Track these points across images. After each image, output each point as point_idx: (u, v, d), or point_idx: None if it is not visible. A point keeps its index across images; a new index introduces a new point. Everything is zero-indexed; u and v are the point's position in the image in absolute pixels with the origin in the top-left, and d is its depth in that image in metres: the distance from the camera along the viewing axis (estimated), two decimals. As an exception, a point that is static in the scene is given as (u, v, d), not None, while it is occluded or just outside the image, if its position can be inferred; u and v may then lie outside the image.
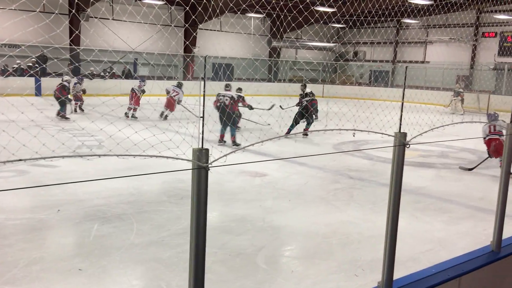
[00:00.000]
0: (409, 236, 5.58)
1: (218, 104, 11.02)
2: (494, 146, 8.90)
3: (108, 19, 23.68)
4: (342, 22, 31.47)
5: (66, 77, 14.99)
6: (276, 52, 32.42)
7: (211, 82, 22.49)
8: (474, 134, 11.57)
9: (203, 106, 1.65)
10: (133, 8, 24.26)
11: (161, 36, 24.88)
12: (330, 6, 24.36)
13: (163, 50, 24.76)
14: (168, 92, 15.36)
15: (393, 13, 25.46)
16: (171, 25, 25.75)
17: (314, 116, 13.38)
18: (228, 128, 10.99)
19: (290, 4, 6.80)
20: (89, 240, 5.09)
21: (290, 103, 13.11)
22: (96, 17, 23.72)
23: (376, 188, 7.94)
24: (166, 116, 15.12)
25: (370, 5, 23.91)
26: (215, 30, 29.15)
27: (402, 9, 23.81)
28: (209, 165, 1.60)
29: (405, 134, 2.18)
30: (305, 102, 12.96)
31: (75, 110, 16.16)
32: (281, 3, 5.42)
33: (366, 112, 6.30)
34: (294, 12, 6.56)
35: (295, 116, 12.85)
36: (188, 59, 26.21)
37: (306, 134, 12.77)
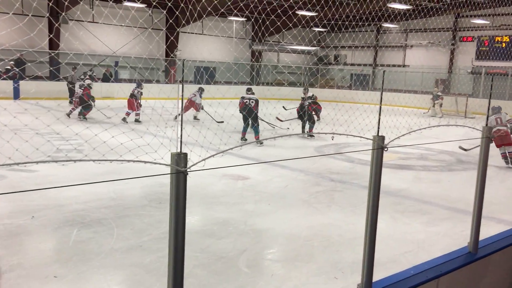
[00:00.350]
0: (389, 238, 5.65)
1: (244, 106, 12.19)
2: (499, 136, 9.71)
3: (97, 22, 23.49)
4: (322, 25, 31.75)
5: (88, 81, 15.76)
6: (255, 56, 32.49)
7: (192, 86, 22.46)
8: (453, 136, 11.77)
9: (182, 109, 1.65)
10: (114, 11, 24.08)
11: (142, 39, 24.76)
12: (310, 10, 24.56)
13: (143, 54, 24.61)
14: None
15: (372, 18, 25.80)
16: (148, 28, 25.62)
17: (316, 117, 14.16)
18: (252, 128, 12.33)
19: (268, 8, 6.83)
20: (69, 246, 5.01)
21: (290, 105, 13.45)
22: (82, 20, 23.47)
23: (357, 191, 8.01)
24: (137, 119, 15.27)
25: (349, 9, 24.21)
26: (196, 33, 29.08)
27: (381, 13, 24.12)
28: (188, 170, 1.60)
29: (383, 138, 2.21)
30: (306, 104, 13.62)
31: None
32: (259, 7, 5.43)
33: (345, 116, 6.36)
34: (273, 16, 6.59)
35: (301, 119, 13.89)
36: (165, 63, 26.09)
37: (312, 135, 13.62)
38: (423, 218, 6.55)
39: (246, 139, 12.16)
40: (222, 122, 12.98)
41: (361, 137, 2.42)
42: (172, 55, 26.69)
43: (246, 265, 4.72)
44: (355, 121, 5.22)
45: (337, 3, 21.87)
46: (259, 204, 6.89)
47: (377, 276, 2.71)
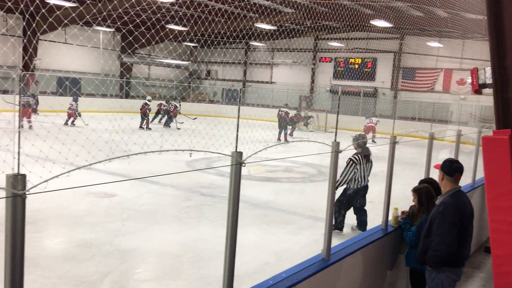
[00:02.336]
0: (257, 249, 5.84)
1: (278, 116, 18.50)
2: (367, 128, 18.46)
3: None
4: (193, 41, 32.02)
5: (148, 97, 20.39)
6: (125, 67, 31.41)
7: (55, 97, 20.87)
8: (314, 150, 12.63)
9: (19, 121, 1.50)
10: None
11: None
12: (182, 25, 24.61)
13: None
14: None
15: (241, 36, 26.77)
16: (6, 34, 23.28)
17: (290, 126, 19.72)
18: (284, 131, 18.14)
19: (137, 20, 6.69)
20: None
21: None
22: None
23: (227, 204, 8.14)
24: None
25: (220, 26, 24.81)
26: (58, 42, 27.14)
27: (250, 32, 25.17)
28: (26, 193, 1.46)
29: (241, 153, 2.28)
30: (281, 113, 18.43)
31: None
32: (125, 18, 5.28)
33: (214, 130, 6.45)
34: (143, 28, 6.47)
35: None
36: (22, 72, 23.89)
37: (287, 141, 17.24)
38: (287, 228, 6.90)
39: (280, 140, 17.41)
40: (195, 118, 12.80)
41: (219, 153, 2.47)
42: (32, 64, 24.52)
43: (110, 288, 4.48)
44: (224, 136, 5.31)
45: (207, 20, 22.29)
46: (127, 222, 6.62)
47: (243, 287, 2.77)
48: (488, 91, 4.64)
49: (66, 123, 18.10)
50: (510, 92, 3.81)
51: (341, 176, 6.49)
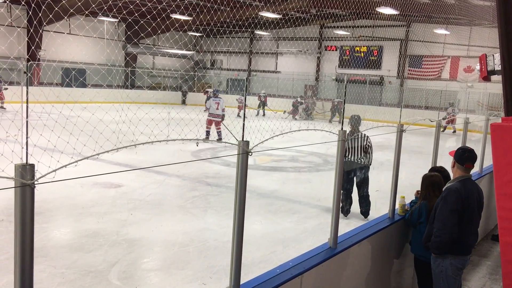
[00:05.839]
0: (262, 238, 5.85)
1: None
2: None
3: None
4: (198, 30, 31.88)
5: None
6: (130, 57, 31.37)
7: (62, 88, 20.89)
8: (319, 139, 12.59)
9: (27, 116, 1.50)
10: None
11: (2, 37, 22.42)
12: (187, 14, 24.51)
13: (3, 53, 22.24)
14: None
15: (246, 25, 26.63)
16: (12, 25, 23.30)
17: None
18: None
19: (143, 9, 6.65)
20: None
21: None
22: None
23: (233, 194, 8.11)
24: None
25: (225, 15, 24.68)
26: (63, 33, 27.11)
27: (254, 21, 25.01)
28: (35, 182, 1.46)
29: (247, 142, 2.26)
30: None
31: None
32: (130, 7, 5.25)
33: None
34: (148, 17, 6.43)
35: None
36: (27, 63, 23.88)
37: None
38: (293, 217, 6.90)
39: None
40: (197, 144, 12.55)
41: (226, 142, 2.46)
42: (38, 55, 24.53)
43: (117, 278, 4.51)
44: (230, 125, 5.29)
45: (212, 9, 22.15)
46: (133, 213, 6.65)
47: (251, 276, 2.78)
48: (497, 78, 4.59)
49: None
50: (519, 78, 3.77)
51: None
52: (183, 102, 30.83)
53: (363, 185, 6.91)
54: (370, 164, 6.94)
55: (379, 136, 6.93)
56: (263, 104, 26.29)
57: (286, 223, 6.59)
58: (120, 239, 5.54)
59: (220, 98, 14.27)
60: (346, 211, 6.92)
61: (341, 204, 6.70)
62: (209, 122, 13.87)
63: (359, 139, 6.82)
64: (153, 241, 5.60)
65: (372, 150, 7.00)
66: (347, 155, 6.79)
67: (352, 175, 6.91)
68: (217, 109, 13.75)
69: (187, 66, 35.36)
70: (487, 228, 6.97)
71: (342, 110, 22.61)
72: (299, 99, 25.73)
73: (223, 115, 13.93)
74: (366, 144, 6.84)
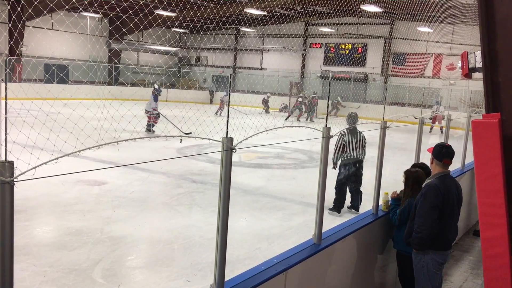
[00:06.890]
0: (248, 235, 5.86)
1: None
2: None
3: None
4: (182, 27, 31.67)
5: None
6: (113, 53, 31.01)
7: (42, 84, 20.58)
8: (304, 136, 12.63)
9: (5, 112, 1.47)
10: None
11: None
12: (171, 10, 24.31)
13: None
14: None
15: (231, 21, 26.54)
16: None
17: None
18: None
19: (125, 4, 6.58)
20: None
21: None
22: None
23: (218, 191, 8.14)
24: None
25: (208, 11, 24.55)
26: (45, 28, 26.70)
27: (240, 17, 24.93)
28: (14, 180, 1.43)
29: (231, 139, 2.26)
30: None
31: None
32: (112, 1, 5.19)
33: (204, 116, 6.41)
34: (130, 12, 6.36)
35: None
36: (7, 58, 23.52)
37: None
38: (278, 214, 6.92)
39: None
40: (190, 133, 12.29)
41: (209, 139, 2.45)
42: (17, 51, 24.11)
43: (101, 276, 4.47)
44: (214, 121, 5.28)
45: (196, 4, 22.02)
46: (117, 210, 6.59)
47: (236, 273, 2.78)
48: (478, 75, 4.65)
49: None
50: (500, 75, 3.82)
51: (333, 150, 6.93)
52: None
53: (358, 179, 7.10)
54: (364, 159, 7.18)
55: (363, 133, 7.02)
56: (266, 102, 26.30)
57: (272, 220, 6.61)
58: (104, 237, 5.49)
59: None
60: (341, 204, 7.12)
61: (338, 201, 6.99)
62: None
63: (357, 134, 7.02)
64: (137, 239, 5.56)
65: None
66: (348, 151, 6.97)
67: (351, 171, 7.08)
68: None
69: (170, 63, 35.10)
70: (469, 224, 7.09)
71: (316, 105, 22.87)
72: (300, 99, 23.72)
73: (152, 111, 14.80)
74: (363, 140, 7.03)
